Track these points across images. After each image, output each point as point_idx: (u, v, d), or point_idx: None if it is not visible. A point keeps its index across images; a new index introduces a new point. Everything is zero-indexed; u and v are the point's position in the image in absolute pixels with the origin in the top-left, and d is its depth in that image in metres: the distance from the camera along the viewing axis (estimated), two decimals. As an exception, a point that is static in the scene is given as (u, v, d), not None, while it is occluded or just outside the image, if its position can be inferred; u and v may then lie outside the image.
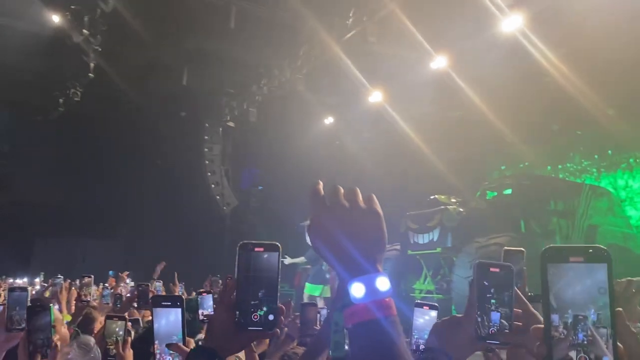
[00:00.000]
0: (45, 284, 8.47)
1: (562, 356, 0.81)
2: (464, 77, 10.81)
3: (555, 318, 0.83)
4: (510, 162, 12.11)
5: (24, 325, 1.94)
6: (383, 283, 0.88)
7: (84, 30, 10.76)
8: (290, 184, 14.78)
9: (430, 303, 2.09)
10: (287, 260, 13.73)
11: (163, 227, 16.46)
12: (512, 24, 9.06)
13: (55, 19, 10.97)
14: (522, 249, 1.82)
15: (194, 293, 7.54)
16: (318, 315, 3.55)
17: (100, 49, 11.16)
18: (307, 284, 11.84)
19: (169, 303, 1.90)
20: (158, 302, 1.94)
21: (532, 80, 10.45)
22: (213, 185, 15.92)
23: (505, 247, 1.85)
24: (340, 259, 0.92)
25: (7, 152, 18.84)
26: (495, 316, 1.24)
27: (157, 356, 1.86)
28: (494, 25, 9.33)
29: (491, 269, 1.27)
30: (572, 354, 0.81)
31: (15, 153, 18.55)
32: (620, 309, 0.86)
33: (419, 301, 2.14)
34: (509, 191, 11.50)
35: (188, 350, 1.73)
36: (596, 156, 13.24)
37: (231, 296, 1.17)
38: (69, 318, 3.88)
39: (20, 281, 9.02)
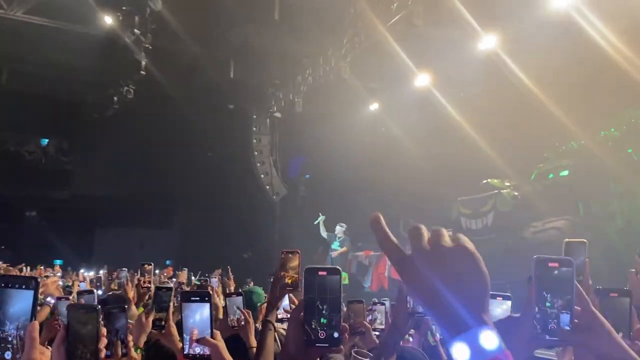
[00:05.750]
0: (110, 278, 8.78)
1: None
2: (515, 57, 10.43)
3: None
4: (567, 144, 11.56)
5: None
6: (489, 339, 0.73)
7: (135, 30, 11.03)
8: (337, 171, 14.76)
9: None
10: (335, 254, 13.91)
11: (216, 216, 16.84)
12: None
13: (108, 20, 11.30)
14: (584, 240, 1.75)
15: (252, 283, 7.57)
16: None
17: (150, 47, 11.42)
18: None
19: (198, 298, 2.01)
20: (187, 297, 2.04)
21: (590, 60, 9.89)
22: (262, 176, 16.16)
23: (567, 240, 1.78)
24: (438, 313, 0.78)
25: (67, 149, 19.67)
26: (554, 313, 1.20)
27: (186, 347, 1.98)
28: (546, 2, 8.97)
29: (550, 264, 1.22)
30: None
31: (74, 150, 19.35)
32: None
33: None
34: (565, 172, 11.02)
35: (215, 343, 1.90)
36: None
37: (300, 315, 1.24)
38: (141, 310, 3.96)
39: (88, 275, 9.37)
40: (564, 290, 1.20)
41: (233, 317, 2.98)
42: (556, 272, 1.21)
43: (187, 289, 5.62)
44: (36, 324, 1.38)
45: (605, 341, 1.15)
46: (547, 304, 1.19)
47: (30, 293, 1.42)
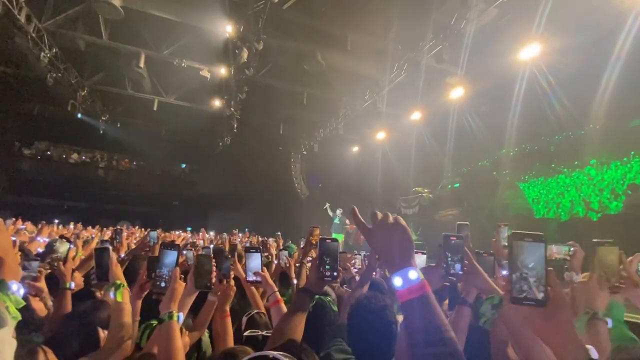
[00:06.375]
0: (217, 238, 8.50)
1: (517, 294, 0.74)
2: (433, 130, 9.92)
3: (515, 274, 0.74)
4: (460, 169, 11.46)
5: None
6: (413, 274, 0.72)
7: (231, 108, 11.30)
8: (335, 182, 14.85)
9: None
10: (337, 215, 13.74)
11: (272, 206, 16.89)
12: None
13: (217, 102, 11.57)
14: (467, 222, 1.61)
15: (289, 242, 7.55)
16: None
17: (239, 117, 11.68)
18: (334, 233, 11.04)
19: (254, 250, 1.77)
20: (248, 249, 1.75)
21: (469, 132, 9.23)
22: (296, 184, 16.09)
23: (458, 222, 1.62)
24: (387, 260, 0.76)
25: (194, 169, 19.90)
26: (452, 264, 1.16)
27: (249, 277, 1.77)
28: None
29: (451, 237, 1.15)
30: (524, 293, 0.74)
31: (198, 170, 19.61)
32: (551, 269, 0.74)
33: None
34: (457, 185, 11.05)
35: (263, 274, 1.73)
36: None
37: (317, 262, 1.19)
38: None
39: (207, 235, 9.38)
40: (458, 251, 1.14)
41: (282, 262, 2.73)
42: (454, 242, 1.15)
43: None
44: (178, 269, 1.30)
45: (480, 279, 1.13)
46: (449, 259, 1.14)
47: (175, 252, 1.34)
